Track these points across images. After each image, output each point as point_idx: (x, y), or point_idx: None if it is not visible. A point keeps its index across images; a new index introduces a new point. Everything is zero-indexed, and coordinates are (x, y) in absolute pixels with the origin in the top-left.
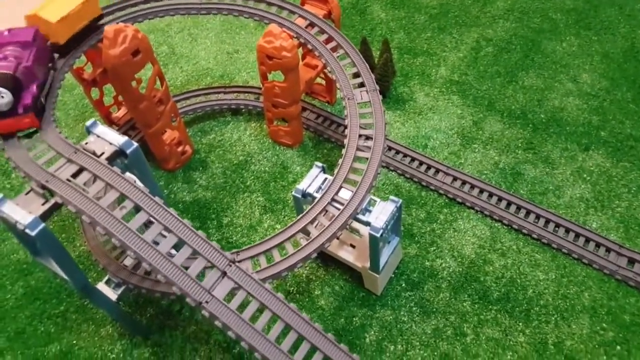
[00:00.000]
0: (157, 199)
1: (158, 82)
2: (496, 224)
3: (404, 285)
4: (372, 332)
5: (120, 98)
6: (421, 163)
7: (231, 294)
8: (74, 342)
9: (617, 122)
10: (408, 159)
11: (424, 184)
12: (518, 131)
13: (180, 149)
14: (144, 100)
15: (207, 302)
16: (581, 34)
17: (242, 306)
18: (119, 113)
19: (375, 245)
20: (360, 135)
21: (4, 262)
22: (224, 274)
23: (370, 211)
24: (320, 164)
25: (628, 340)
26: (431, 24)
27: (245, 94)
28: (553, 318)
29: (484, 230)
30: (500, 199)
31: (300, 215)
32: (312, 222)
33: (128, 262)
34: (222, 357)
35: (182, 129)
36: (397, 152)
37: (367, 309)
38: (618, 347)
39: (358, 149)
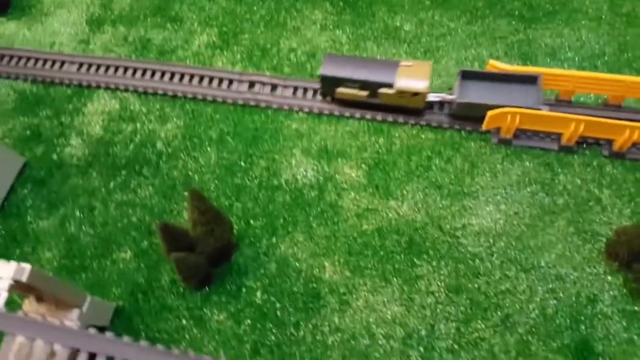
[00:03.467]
0: None
1: None
2: (126, 94)
3: (29, 187)
4: None
5: None
6: (45, 61)
7: None
8: None
9: None
10: (32, 62)
11: (49, 81)
12: (147, 0)
13: None
14: None
15: None
16: None
17: None
18: None
19: None
20: None
21: None
22: None
23: None
24: None
25: (251, 155)
26: None
27: None
28: (181, 161)
29: (113, 104)
30: (126, 69)
31: None
32: None
33: None
34: None
35: None
36: (20, 58)
37: None
38: (242, 164)
39: None
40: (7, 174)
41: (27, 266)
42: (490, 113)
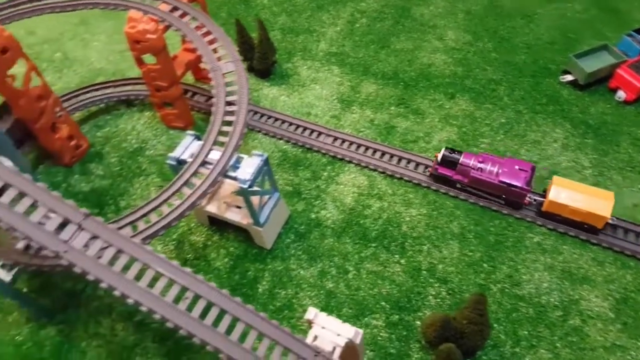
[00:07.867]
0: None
1: (37, 79)
2: (373, 173)
3: (292, 237)
4: (264, 282)
5: None
6: (305, 129)
7: (88, 244)
8: None
9: (480, 70)
10: (293, 127)
11: (308, 147)
12: (391, 90)
13: (73, 143)
14: (22, 96)
15: (65, 251)
16: None
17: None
18: None
19: (247, 197)
20: (227, 102)
21: None
22: (80, 226)
23: (239, 167)
24: (193, 132)
25: (493, 258)
26: (310, 4)
27: (135, 85)
28: (425, 247)
29: (362, 180)
30: (375, 151)
31: (174, 179)
32: (186, 184)
33: (20, 245)
34: (124, 324)
35: (71, 123)
36: (283, 121)
37: (259, 263)
38: (485, 265)
39: (225, 113)
40: (278, 222)
41: (360, 331)
42: None
